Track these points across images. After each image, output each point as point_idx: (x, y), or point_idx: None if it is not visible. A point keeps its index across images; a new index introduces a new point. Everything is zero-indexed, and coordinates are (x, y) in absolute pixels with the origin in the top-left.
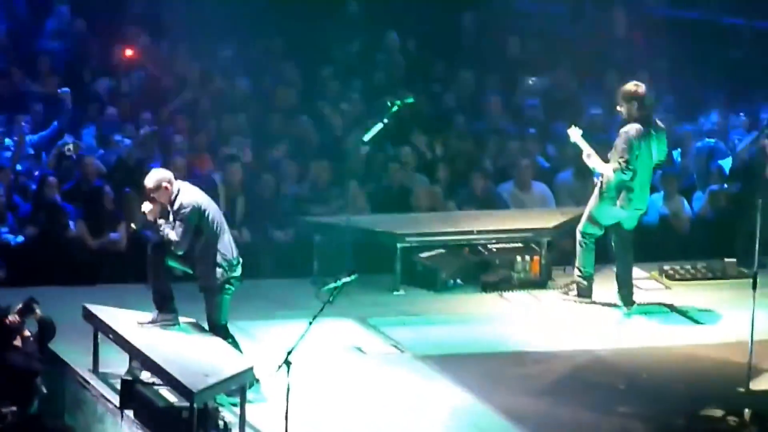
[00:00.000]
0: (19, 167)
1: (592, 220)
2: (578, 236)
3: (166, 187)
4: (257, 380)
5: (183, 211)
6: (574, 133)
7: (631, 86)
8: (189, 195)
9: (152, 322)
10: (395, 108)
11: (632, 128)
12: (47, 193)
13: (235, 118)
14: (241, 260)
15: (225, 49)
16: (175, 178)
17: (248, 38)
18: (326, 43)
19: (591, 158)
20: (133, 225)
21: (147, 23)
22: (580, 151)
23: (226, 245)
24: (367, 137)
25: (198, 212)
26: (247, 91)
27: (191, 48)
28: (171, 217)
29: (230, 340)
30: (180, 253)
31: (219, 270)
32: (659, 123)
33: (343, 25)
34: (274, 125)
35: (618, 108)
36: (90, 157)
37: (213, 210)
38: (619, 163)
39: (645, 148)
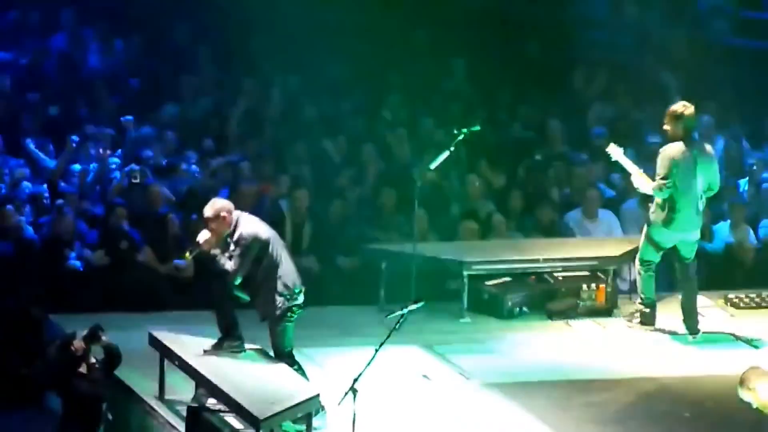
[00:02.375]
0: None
1: (645, 245)
2: (636, 264)
3: (224, 217)
4: (323, 408)
5: (243, 242)
6: (615, 151)
7: (678, 106)
8: (249, 225)
9: (218, 348)
10: (462, 136)
11: (671, 147)
12: (115, 220)
13: (301, 145)
14: (303, 288)
15: (291, 77)
16: (242, 205)
17: (314, 66)
18: (393, 70)
19: (635, 177)
20: (188, 254)
21: (214, 52)
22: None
23: (288, 273)
24: (433, 165)
25: (258, 243)
26: (313, 119)
27: (257, 76)
28: (232, 247)
29: (296, 367)
30: (237, 282)
31: (280, 299)
32: (708, 148)
33: (409, 53)
34: (340, 152)
35: (665, 127)
36: (156, 185)
37: (274, 239)
38: (657, 182)
39: (687, 168)
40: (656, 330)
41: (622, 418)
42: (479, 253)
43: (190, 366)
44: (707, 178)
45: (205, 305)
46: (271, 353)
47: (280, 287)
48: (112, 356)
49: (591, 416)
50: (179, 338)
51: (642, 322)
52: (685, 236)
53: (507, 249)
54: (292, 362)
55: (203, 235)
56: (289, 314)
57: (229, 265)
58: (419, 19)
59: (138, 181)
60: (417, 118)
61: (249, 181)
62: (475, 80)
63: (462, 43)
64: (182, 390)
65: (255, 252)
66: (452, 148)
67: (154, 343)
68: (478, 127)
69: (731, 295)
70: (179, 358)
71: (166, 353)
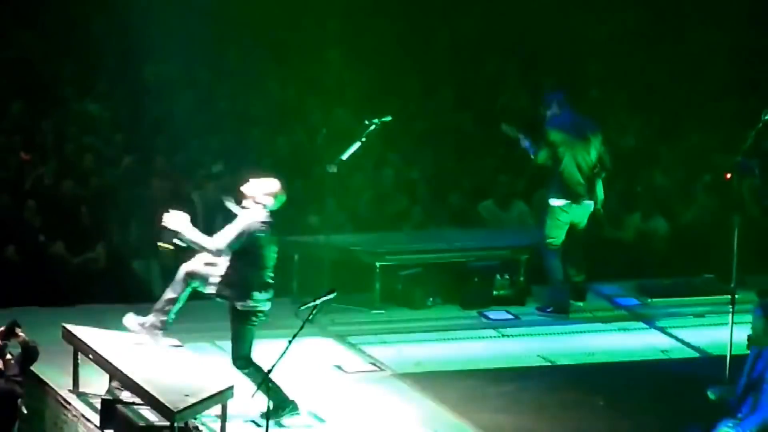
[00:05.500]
0: None
1: (548, 225)
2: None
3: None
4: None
5: (244, 224)
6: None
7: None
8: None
9: (143, 325)
10: (373, 126)
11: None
12: (25, 214)
13: (212, 138)
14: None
15: (200, 67)
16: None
17: (224, 55)
18: (305, 61)
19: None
20: (162, 244)
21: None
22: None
23: (263, 277)
24: (344, 156)
25: (254, 237)
26: (224, 110)
27: (167, 66)
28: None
29: (246, 371)
30: (221, 254)
31: (255, 294)
32: (592, 125)
33: (320, 43)
34: (252, 144)
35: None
36: (67, 180)
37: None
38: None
39: (567, 143)
40: (566, 318)
41: (536, 407)
42: (392, 243)
43: (104, 359)
44: (594, 154)
45: (118, 299)
46: (186, 347)
47: (261, 283)
48: (29, 352)
49: (505, 406)
50: (93, 332)
51: (555, 310)
52: (580, 206)
53: (420, 239)
54: (245, 365)
55: (174, 219)
56: (253, 318)
57: (208, 242)
58: (331, 8)
59: (48, 182)
60: (329, 109)
61: (162, 176)
62: (384, 69)
63: (372, 32)
64: (96, 383)
65: (244, 243)
66: (364, 139)
67: (68, 336)
68: (389, 118)
69: (645, 283)
70: (93, 351)
71: (79, 346)
